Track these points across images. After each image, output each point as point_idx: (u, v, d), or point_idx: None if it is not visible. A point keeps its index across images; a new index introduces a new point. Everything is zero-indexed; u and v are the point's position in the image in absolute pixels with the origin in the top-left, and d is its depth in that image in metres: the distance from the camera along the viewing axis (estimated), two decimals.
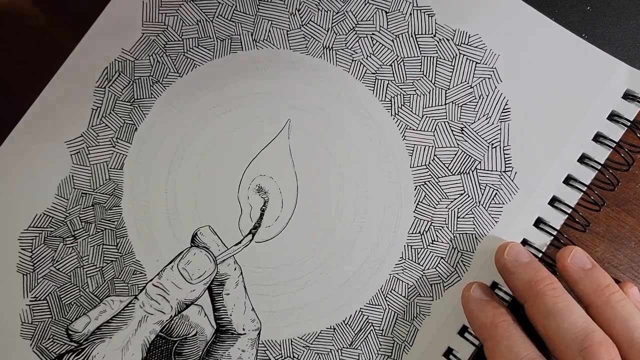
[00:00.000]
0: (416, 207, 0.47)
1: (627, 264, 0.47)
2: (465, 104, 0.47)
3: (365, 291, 0.47)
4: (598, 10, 0.50)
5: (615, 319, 0.41)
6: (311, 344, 0.47)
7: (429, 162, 0.47)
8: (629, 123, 0.46)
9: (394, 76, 0.48)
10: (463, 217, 0.47)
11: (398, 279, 0.47)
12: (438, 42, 0.48)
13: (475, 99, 0.47)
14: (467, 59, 0.47)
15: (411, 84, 0.48)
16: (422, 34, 0.48)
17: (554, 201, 0.46)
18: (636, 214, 0.48)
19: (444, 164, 0.47)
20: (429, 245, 0.47)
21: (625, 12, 0.50)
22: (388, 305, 0.47)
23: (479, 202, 0.46)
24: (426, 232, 0.47)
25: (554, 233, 0.46)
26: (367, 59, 0.48)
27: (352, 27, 0.48)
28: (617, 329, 0.40)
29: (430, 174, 0.47)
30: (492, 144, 0.47)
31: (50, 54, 0.51)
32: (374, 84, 0.48)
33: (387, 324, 0.47)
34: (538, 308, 0.42)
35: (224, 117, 0.48)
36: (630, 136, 0.46)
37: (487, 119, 0.47)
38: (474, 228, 0.46)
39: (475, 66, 0.47)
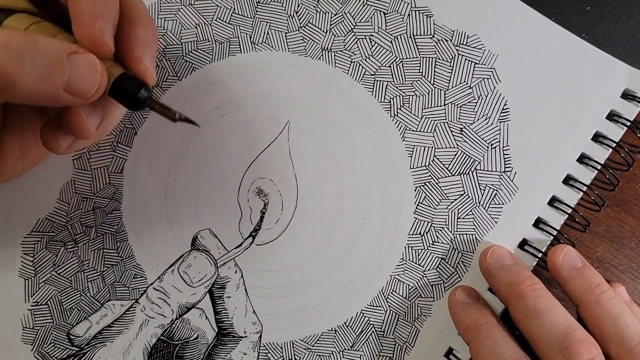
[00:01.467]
0: (416, 208, 0.47)
1: (627, 264, 0.47)
2: (464, 104, 0.47)
3: (366, 293, 0.47)
4: (598, 10, 0.50)
5: (606, 318, 0.41)
6: (312, 346, 0.47)
7: (429, 163, 0.47)
8: (629, 123, 0.46)
9: (392, 77, 0.48)
10: (463, 218, 0.47)
11: (399, 280, 0.47)
12: (437, 43, 0.48)
13: (475, 99, 0.47)
14: (465, 59, 0.47)
15: (410, 85, 0.48)
16: (420, 34, 0.48)
17: (553, 201, 0.46)
18: (636, 214, 0.48)
19: (443, 164, 0.47)
20: (429, 246, 0.47)
21: (625, 12, 0.50)
22: (389, 306, 0.47)
23: (479, 203, 0.46)
24: (426, 233, 0.47)
25: (554, 233, 0.46)
26: (365, 60, 0.48)
27: (350, 29, 0.48)
28: (608, 328, 0.41)
29: (430, 175, 0.47)
30: (492, 145, 0.47)
31: None
32: (373, 85, 0.48)
33: (388, 325, 0.47)
34: (520, 309, 0.42)
35: (223, 119, 0.48)
36: (630, 136, 0.46)
37: (486, 119, 0.47)
38: (474, 229, 0.46)
39: (474, 67, 0.47)
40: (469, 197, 0.47)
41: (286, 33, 0.49)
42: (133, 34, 0.37)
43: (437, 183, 0.47)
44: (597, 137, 0.46)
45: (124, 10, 0.37)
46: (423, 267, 0.47)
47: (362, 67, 0.48)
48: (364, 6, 0.48)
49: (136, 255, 0.48)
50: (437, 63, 0.48)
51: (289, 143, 0.48)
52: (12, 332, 0.47)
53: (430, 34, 0.48)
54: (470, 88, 0.47)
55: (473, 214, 0.47)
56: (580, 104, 0.46)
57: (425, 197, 0.47)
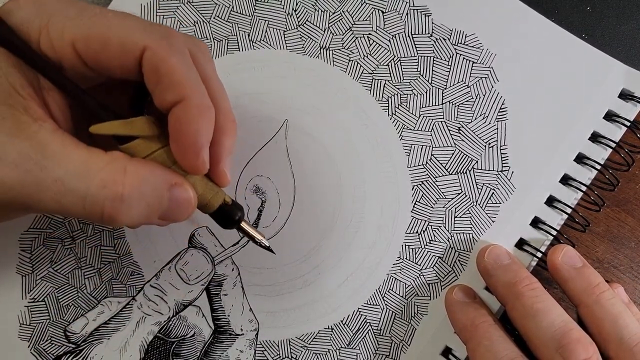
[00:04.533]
0: (414, 206, 0.47)
1: (627, 264, 0.47)
2: (462, 103, 0.47)
3: (363, 291, 0.47)
4: (598, 11, 0.50)
5: (605, 318, 0.41)
6: (309, 344, 0.47)
7: (426, 162, 0.47)
8: (628, 123, 0.46)
9: (390, 76, 0.48)
10: (460, 217, 0.46)
11: (396, 278, 0.47)
12: (435, 42, 0.48)
13: (472, 98, 0.47)
14: (464, 58, 0.47)
15: (408, 83, 0.48)
16: (418, 33, 0.48)
17: (550, 201, 0.46)
18: (636, 214, 0.47)
19: (441, 163, 0.47)
20: (426, 244, 0.47)
21: (625, 12, 0.50)
22: (386, 305, 0.47)
23: (476, 202, 0.46)
24: (424, 231, 0.47)
25: (551, 232, 0.45)
26: (364, 59, 0.48)
27: (348, 27, 0.48)
28: (607, 328, 0.41)
29: (427, 174, 0.47)
30: (489, 144, 0.47)
31: None
32: (371, 84, 0.48)
33: (384, 323, 0.47)
34: (518, 309, 0.42)
35: None
36: (630, 136, 0.46)
37: (484, 118, 0.47)
38: (471, 228, 0.46)
39: (472, 66, 0.47)
40: (466, 196, 0.47)
41: (284, 31, 0.49)
42: (220, 144, 0.38)
43: (434, 182, 0.47)
44: (595, 137, 0.46)
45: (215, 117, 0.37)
46: (420, 265, 0.47)
47: (360, 65, 0.48)
48: (362, 5, 0.48)
49: (133, 253, 0.48)
50: (435, 62, 0.48)
51: (286, 141, 0.48)
52: (9, 328, 0.47)
53: (429, 33, 0.48)
54: (468, 87, 0.47)
55: (470, 213, 0.46)
56: (577, 103, 0.46)
57: (422, 195, 0.47)
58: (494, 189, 0.46)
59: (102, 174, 0.33)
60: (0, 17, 0.33)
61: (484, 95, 0.47)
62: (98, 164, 0.33)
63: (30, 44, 0.34)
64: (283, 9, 0.49)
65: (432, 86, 0.47)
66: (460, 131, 0.47)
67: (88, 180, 0.33)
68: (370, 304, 0.47)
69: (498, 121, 0.47)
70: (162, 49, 0.34)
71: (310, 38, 0.49)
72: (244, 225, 0.40)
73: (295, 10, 0.49)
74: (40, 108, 0.34)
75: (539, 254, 0.45)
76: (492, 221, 0.46)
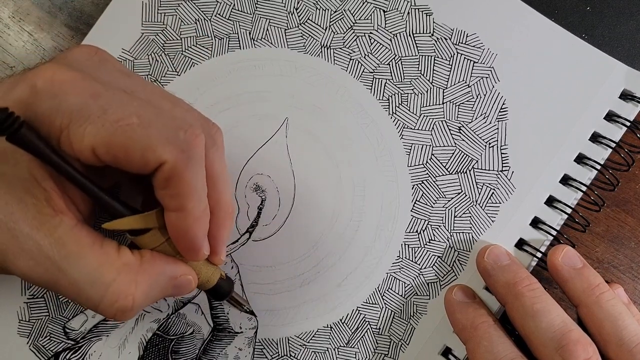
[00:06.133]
0: (413, 206, 0.47)
1: (627, 264, 0.47)
2: (462, 103, 0.47)
3: (362, 290, 0.47)
4: (598, 11, 0.50)
5: (605, 318, 0.41)
6: (308, 342, 0.47)
7: (427, 161, 0.47)
8: (628, 123, 0.46)
9: (391, 75, 0.48)
10: (460, 217, 0.46)
11: (395, 277, 0.47)
12: (436, 41, 0.48)
13: (473, 98, 0.47)
14: (464, 58, 0.47)
15: (409, 83, 0.48)
16: (420, 33, 0.48)
17: (550, 201, 0.46)
18: (636, 214, 0.47)
19: (441, 163, 0.47)
20: (426, 244, 0.47)
21: (625, 12, 0.50)
22: (385, 304, 0.47)
23: (476, 202, 0.46)
24: (423, 231, 0.47)
25: (551, 232, 0.45)
26: (365, 57, 0.48)
27: (350, 26, 0.48)
28: (607, 328, 0.41)
29: (427, 173, 0.47)
30: (490, 144, 0.47)
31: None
32: (372, 83, 0.48)
33: (383, 322, 0.47)
34: (517, 309, 0.42)
35: (222, 115, 0.48)
36: (630, 136, 0.46)
37: (484, 118, 0.47)
38: (470, 227, 0.46)
39: (473, 65, 0.47)
40: (466, 195, 0.47)
41: (286, 30, 0.49)
42: (217, 238, 0.40)
43: (434, 181, 0.47)
44: (595, 137, 0.46)
45: (213, 211, 0.39)
46: (419, 265, 0.47)
47: (361, 64, 0.48)
48: (363, 3, 0.48)
49: None
50: (436, 61, 0.48)
51: (287, 139, 0.48)
52: (8, 324, 0.47)
53: (430, 32, 0.48)
54: (468, 87, 0.47)
55: (470, 213, 0.46)
56: (578, 104, 0.46)
57: (422, 195, 0.47)
58: (494, 189, 0.46)
59: (114, 286, 0.36)
60: (25, 122, 0.32)
61: (485, 95, 0.47)
62: (111, 272, 0.36)
63: (50, 141, 0.34)
64: (284, 7, 0.49)
65: (433, 85, 0.47)
66: (461, 131, 0.47)
67: (101, 290, 0.36)
68: (369, 303, 0.47)
69: (498, 121, 0.47)
70: (180, 164, 0.35)
71: (312, 36, 0.49)
72: (234, 295, 0.44)
73: (296, 9, 0.49)
74: (61, 199, 0.36)
75: (539, 254, 0.45)
76: (492, 221, 0.46)
